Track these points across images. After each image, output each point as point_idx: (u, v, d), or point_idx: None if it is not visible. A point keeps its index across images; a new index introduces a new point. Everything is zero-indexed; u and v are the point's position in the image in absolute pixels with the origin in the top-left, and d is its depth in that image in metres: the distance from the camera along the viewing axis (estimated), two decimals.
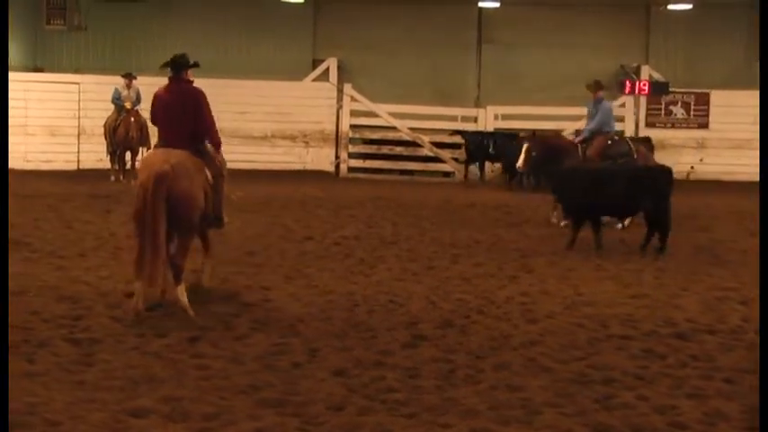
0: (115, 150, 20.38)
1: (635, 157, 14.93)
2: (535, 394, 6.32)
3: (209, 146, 8.79)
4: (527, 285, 10.01)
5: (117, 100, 20.27)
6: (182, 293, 8.25)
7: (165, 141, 8.58)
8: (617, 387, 6.52)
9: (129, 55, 23.62)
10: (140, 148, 19.94)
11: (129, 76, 20.31)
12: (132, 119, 19.95)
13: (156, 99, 8.72)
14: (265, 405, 6.00)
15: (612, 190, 12.16)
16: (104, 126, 20.58)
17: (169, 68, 8.71)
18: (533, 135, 16.17)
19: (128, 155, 20.31)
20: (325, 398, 6.15)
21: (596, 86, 15.50)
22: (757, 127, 22.76)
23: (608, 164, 14.01)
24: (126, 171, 20.06)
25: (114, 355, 6.98)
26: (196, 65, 8.81)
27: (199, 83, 8.91)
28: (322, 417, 5.83)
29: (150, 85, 21.45)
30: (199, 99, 8.58)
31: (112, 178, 20.15)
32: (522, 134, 18.35)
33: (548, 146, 14.84)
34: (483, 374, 6.78)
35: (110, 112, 20.46)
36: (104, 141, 20.62)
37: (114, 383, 6.30)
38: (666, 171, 12.53)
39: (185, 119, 8.50)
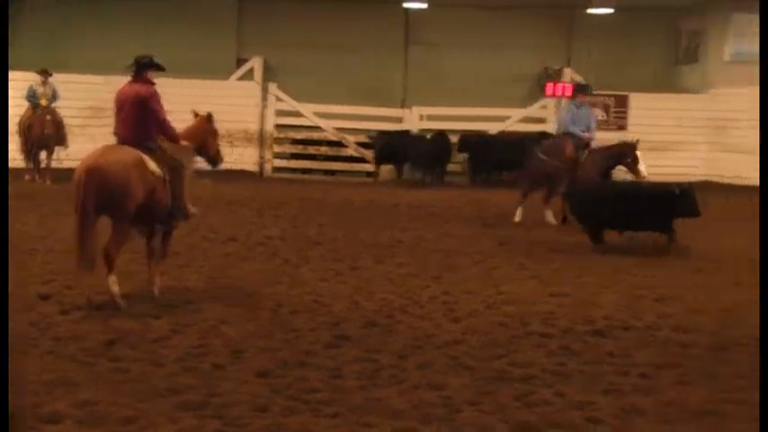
0: (30, 149, 19.90)
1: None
2: (457, 393, 6.40)
3: (167, 142, 9.05)
4: (450, 285, 10.10)
5: (31, 97, 19.83)
6: (113, 283, 8.45)
7: (118, 138, 9.00)
8: (536, 384, 6.63)
9: (46, 51, 23.11)
10: (57, 147, 19.55)
11: (44, 73, 19.88)
12: (48, 116, 19.56)
13: (116, 97, 9.10)
14: (185, 408, 5.95)
15: None
16: (18, 124, 20.08)
17: (132, 69, 9.04)
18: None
19: (43, 153, 19.88)
20: (248, 399, 6.14)
21: (580, 90, 16.02)
22: (678, 129, 23.39)
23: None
24: (41, 170, 19.66)
25: (29, 360, 6.85)
26: (159, 67, 9.11)
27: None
28: (244, 418, 5.81)
29: (71, 83, 21.41)
30: (148, 98, 8.87)
31: (27, 177, 19.70)
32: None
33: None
34: (406, 374, 6.83)
35: (24, 110, 19.99)
36: (18, 140, 20.12)
37: (28, 388, 6.18)
38: None
39: (134, 117, 8.86)
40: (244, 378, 6.60)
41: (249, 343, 7.51)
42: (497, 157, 21.87)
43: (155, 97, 8.93)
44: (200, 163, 9.97)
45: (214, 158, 9.90)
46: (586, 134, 15.30)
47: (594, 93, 22.95)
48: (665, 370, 7.05)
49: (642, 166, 14.92)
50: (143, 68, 9.00)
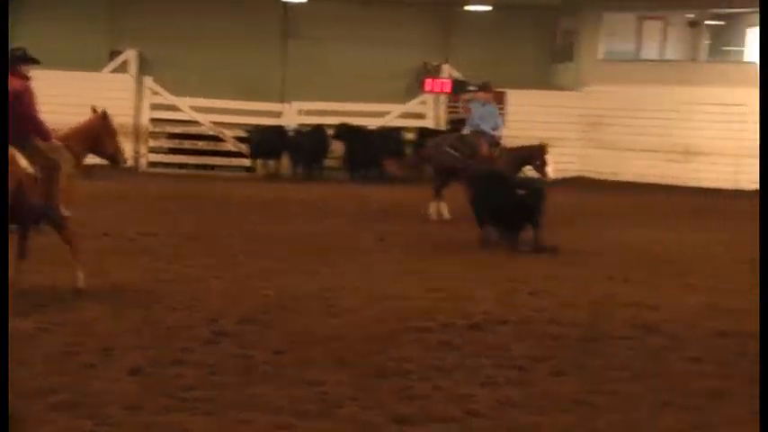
0: None
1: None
2: (335, 388, 6.37)
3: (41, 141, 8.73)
4: (328, 280, 10.07)
5: None
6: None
7: None
8: (415, 378, 6.66)
9: None
10: None
11: None
12: None
13: None
14: (57, 408, 5.77)
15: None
16: None
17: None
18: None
19: None
20: (121, 398, 5.99)
21: (484, 88, 16.14)
22: (553, 126, 23.88)
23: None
24: None
25: None
26: (34, 60, 8.78)
27: None
28: (117, 417, 5.66)
29: None
30: (21, 93, 8.53)
31: None
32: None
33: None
34: (284, 370, 6.77)
35: None
36: None
37: None
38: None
39: (8, 114, 8.36)
40: (116, 376, 6.44)
41: (121, 341, 7.33)
42: (374, 152, 21.89)
43: (28, 92, 8.62)
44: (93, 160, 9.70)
45: (114, 157, 9.55)
46: (496, 133, 15.58)
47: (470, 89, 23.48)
48: (540, 362, 7.17)
49: (550, 168, 15.24)
50: (17, 62, 8.65)
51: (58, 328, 7.66)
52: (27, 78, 8.70)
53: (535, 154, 15.39)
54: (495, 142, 15.45)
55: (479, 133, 15.45)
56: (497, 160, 15.09)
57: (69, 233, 9.14)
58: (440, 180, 15.65)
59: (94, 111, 9.47)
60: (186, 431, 5.51)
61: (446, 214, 15.38)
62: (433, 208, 15.46)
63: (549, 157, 15.30)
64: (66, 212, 9.00)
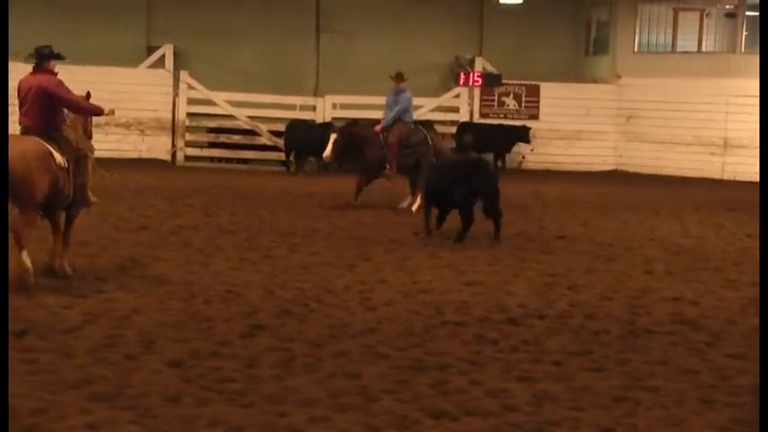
0: None
1: (430, 144, 15.73)
2: (373, 381, 6.39)
3: (70, 132, 9.17)
4: (365, 274, 10.08)
5: None
6: (25, 257, 8.49)
7: (22, 128, 9.05)
8: (451, 372, 6.66)
9: None
10: None
11: None
12: None
13: (18, 87, 9.11)
14: (97, 399, 5.84)
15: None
16: None
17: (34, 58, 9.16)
18: (343, 126, 16.90)
19: None
20: (161, 390, 6.04)
21: (398, 78, 16.11)
22: (588, 119, 23.77)
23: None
24: None
25: None
26: (60, 56, 9.19)
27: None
28: (157, 409, 5.72)
29: None
30: (53, 89, 8.91)
31: None
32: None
33: (351, 135, 15.82)
34: (321, 363, 6.80)
35: None
36: None
37: None
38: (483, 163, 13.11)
39: (38, 107, 8.91)
40: (156, 368, 6.50)
41: (161, 333, 7.40)
42: None
43: (60, 86, 9.03)
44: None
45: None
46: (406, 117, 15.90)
47: (504, 82, 23.41)
48: (578, 357, 7.15)
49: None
50: (43, 59, 9.09)
51: (98, 319, 7.74)
52: (54, 74, 9.11)
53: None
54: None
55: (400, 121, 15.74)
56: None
57: (76, 222, 9.54)
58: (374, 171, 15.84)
59: (88, 95, 9.71)
60: (225, 423, 5.54)
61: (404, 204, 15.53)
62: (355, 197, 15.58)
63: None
64: (93, 199, 9.52)
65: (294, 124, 22.52)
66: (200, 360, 6.73)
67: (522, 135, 22.79)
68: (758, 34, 26.57)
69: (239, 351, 7.00)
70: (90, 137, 9.89)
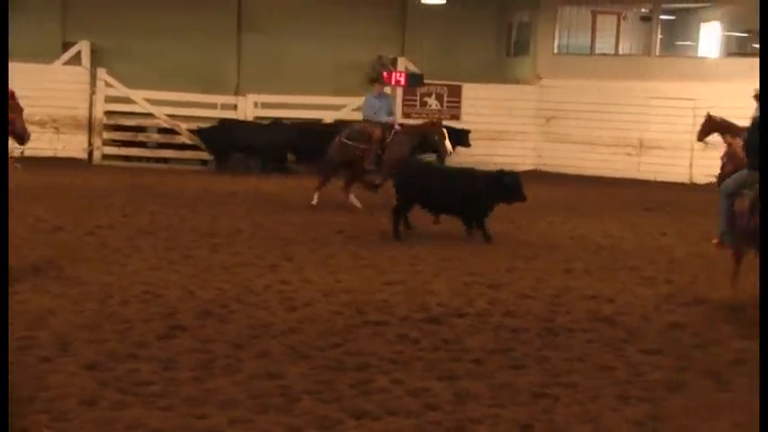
0: None
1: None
2: (294, 382, 6.35)
3: None
4: (287, 274, 10.03)
5: None
6: None
7: None
8: (373, 372, 6.65)
9: None
10: None
11: None
12: None
13: None
14: (11, 403, 5.68)
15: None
16: None
17: None
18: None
19: None
20: (77, 392, 5.93)
21: (379, 81, 16.77)
22: (509, 119, 23.97)
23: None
24: None
25: None
26: None
27: None
28: (73, 412, 5.61)
29: None
30: None
31: None
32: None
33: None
34: (242, 364, 6.73)
35: None
36: None
37: None
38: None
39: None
40: (72, 371, 6.38)
41: (77, 335, 7.26)
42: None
43: None
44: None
45: (21, 135, 9.70)
46: (390, 118, 15.87)
47: (427, 82, 23.52)
48: (498, 355, 7.20)
49: (448, 142, 15.35)
50: None
51: (12, 321, 7.54)
52: None
53: (431, 130, 15.46)
54: (388, 127, 15.62)
55: (370, 122, 15.73)
56: (391, 143, 15.32)
57: None
58: (332, 170, 15.91)
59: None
60: (143, 426, 5.46)
61: (357, 204, 15.61)
62: (316, 197, 15.62)
63: (445, 131, 15.43)
64: None
65: (226, 122, 22.37)
66: (118, 362, 6.61)
67: (463, 138, 22.71)
68: (672, 38, 27.23)
69: (157, 353, 6.90)
70: (28, 137, 9.67)
